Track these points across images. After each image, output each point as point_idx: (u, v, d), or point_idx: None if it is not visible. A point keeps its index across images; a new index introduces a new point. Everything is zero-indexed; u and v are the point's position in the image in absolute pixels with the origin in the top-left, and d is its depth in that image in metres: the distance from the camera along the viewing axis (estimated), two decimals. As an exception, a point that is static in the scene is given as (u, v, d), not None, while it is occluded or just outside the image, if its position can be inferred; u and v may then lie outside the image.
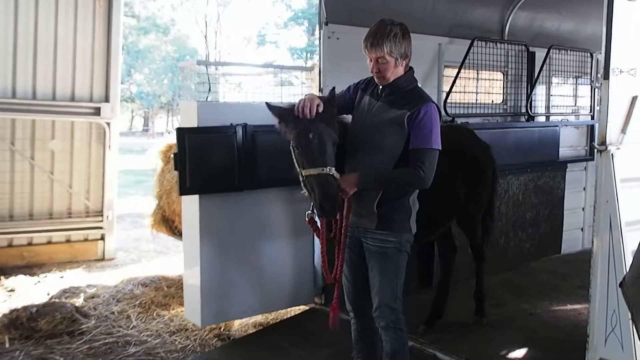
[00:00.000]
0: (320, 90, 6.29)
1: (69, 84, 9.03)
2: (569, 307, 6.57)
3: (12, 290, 7.52)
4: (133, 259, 9.49)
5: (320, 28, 6.36)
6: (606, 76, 3.77)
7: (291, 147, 3.99)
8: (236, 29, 48.65)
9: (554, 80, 8.77)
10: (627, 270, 2.81)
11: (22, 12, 8.60)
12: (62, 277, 8.27)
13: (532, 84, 8.25)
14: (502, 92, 8.34)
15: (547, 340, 5.68)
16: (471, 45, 7.35)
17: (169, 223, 8.03)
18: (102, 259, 9.38)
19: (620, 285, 2.56)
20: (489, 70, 7.90)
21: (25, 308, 6.31)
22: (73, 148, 9.20)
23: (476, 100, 7.96)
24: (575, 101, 9.15)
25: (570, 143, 8.90)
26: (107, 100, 9.24)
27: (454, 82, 7.26)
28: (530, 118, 8.30)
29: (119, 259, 9.46)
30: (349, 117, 4.26)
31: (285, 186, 5.63)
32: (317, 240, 6.01)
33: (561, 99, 8.92)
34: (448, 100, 7.23)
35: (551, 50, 8.22)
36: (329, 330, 4.10)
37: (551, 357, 5.39)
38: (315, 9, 7.30)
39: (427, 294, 6.31)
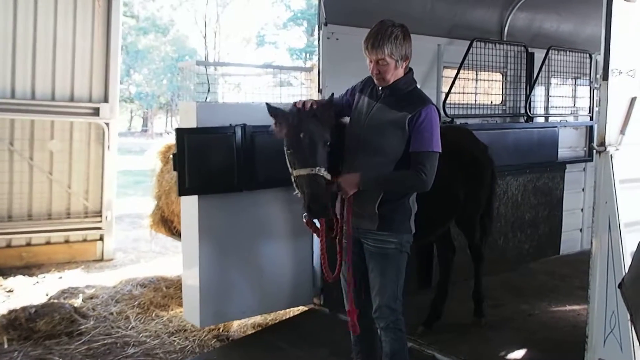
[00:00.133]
0: (320, 91, 6.29)
1: (68, 84, 9.03)
2: (568, 308, 6.58)
3: (10, 291, 7.52)
4: (132, 260, 9.49)
5: (319, 29, 6.36)
6: (605, 77, 3.77)
7: (284, 147, 4.01)
8: (235, 30, 48.70)
9: (553, 81, 8.78)
10: (626, 271, 2.81)
11: (21, 12, 8.60)
12: (60, 277, 8.27)
13: (531, 84, 8.26)
14: (501, 92, 8.35)
15: (546, 341, 5.69)
16: (470, 46, 7.35)
17: (167, 223, 8.03)
18: (101, 260, 9.37)
19: (619, 286, 2.55)
20: (488, 71, 7.91)
21: (23, 309, 6.31)
22: (72, 148, 9.20)
23: (475, 101, 7.97)
24: (574, 102, 9.15)
25: (569, 144, 8.91)
26: (106, 100, 9.23)
27: (453, 82, 7.26)
28: (529, 119, 8.31)
29: (118, 260, 9.45)
30: (347, 119, 4.27)
31: (284, 187, 5.59)
32: (316, 240, 6.03)
33: (560, 99, 8.93)
34: (447, 101, 7.23)
35: (550, 51, 8.23)
36: (329, 331, 4.10)
37: (550, 358, 5.40)
38: (314, 9, 7.30)
39: (426, 294, 6.30)
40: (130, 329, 6.33)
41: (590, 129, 9.02)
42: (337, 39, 6.28)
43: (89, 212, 9.37)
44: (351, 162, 4.09)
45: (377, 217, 3.98)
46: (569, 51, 8.55)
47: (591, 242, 3.94)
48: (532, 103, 8.37)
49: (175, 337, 6.08)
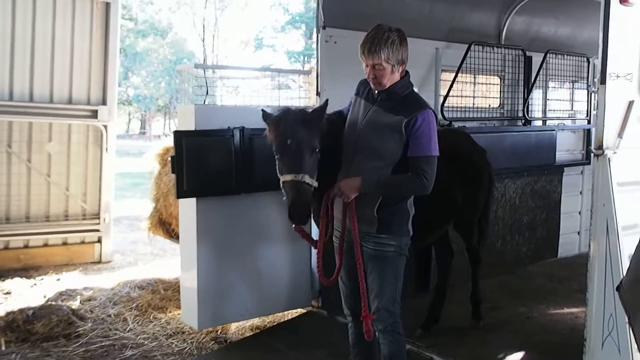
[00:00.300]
0: (318, 94, 6.30)
1: (66, 86, 9.03)
2: (566, 310, 6.58)
3: (8, 293, 7.51)
4: (130, 262, 9.48)
5: (318, 32, 6.37)
6: (603, 81, 3.79)
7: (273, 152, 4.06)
8: (234, 33, 48.71)
9: (551, 84, 8.80)
10: (624, 274, 2.82)
11: (20, 14, 8.60)
12: (58, 279, 8.27)
13: (528, 88, 8.28)
14: (499, 96, 8.37)
15: (544, 343, 5.68)
16: (468, 49, 7.36)
17: (165, 226, 8.03)
18: (99, 262, 9.37)
19: (618, 289, 2.56)
20: (486, 75, 7.93)
21: (21, 311, 6.31)
22: (70, 151, 9.20)
23: (473, 104, 7.99)
24: (572, 105, 9.18)
25: (566, 147, 8.92)
26: (104, 102, 9.24)
27: (451, 86, 7.27)
28: (527, 122, 8.33)
29: (116, 262, 9.45)
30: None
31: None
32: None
33: (558, 103, 8.96)
34: (445, 104, 7.24)
35: (548, 55, 8.25)
36: (327, 334, 4.10)
37: (548, 360, 5.41)
38: (312, 12, 7.32)
39: (425, 297, 6.30)
40: (128, 331, 6.33)
41: (587, 132, 9.04)
42: (335, 42, 6.30)
43: (86, 215, 9.36)
44: (348, 165, 4.10)
45: (376, 220, 3.99)
46: (567, 55, 8.58)
47: (589, 245, 3.95)
48: (529, 106, 8.39)
49: (173, 340, 6.08)
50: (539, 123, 8.73)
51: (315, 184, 3.95)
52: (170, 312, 6.85)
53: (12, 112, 8.59)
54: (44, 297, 7.36)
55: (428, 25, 7.34)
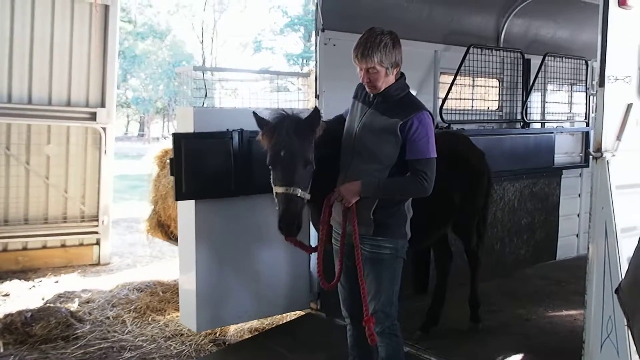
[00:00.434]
0: (317, 96, 6.31)
1: (65, 88, 9.03)
2: (565, 313, 6.58)
3: (6, 295, 7.51)
4: (128, 264, 9.48)
5: (316, 34, 6.38)
6: (601, 83, 3.79)
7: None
8: (232, 35, 48.84)
9: (549, 87, 8.82)
10: (623, 276, 2.82)
11: (18, 16, 8.60)
12: (57, 281, 8.26)
13: (527, 90, 8.29)
14: (497, 98, 8.38)
15: (543, 346, 5.69)
16: (467, 52, 7.37)
17: (164, 228, 8.02)
18: (97, 264, 9.36)
19: (616, 291, 2.56)
20: (485, 77, 7.93)
21: (19, 313, 6.29)
22: (68, 153, 9.19)
23: (472, 106, 8.00)
24: (571, 108, 9.19)
25: (565, 150, 8.93)
26: (103, 105, 9.24)
27: (450, 88, 7.28)
28: (526, 125, 8.33)
29: (114, 264, 9.44)
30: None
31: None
32: (313, 245, 6.03)
33: (556, 105, 8.96)
34: (444, 107, 7.26)
35: (546, 58, 8.26)
36: (325, 336, 4.10)
37: (547, 363, 5.41)
38: (311, 15, 7.34)
39: (423, 299, 6.31)
40: (126, 334, 6.32)
41: (586, 135, 9.06)
42: (334, 45, 6.30)
43: (85, 217, 9.36)
44: (346, 168, 4.11)
45: (372, 222, 3.99)
46: (565, 58, 8.60)
47: (588, 248, 3.95)
48: (528, 109, 8.40)
49: (171, 342, 6.07)
50: (537, 126, 8.74)
51: (308, 196, 4.00)
52: (168, 314, 6.84)
53: (11, 114, 8.59)
54: (43, 299, 7.35)
55: (427, 28, 7.34)
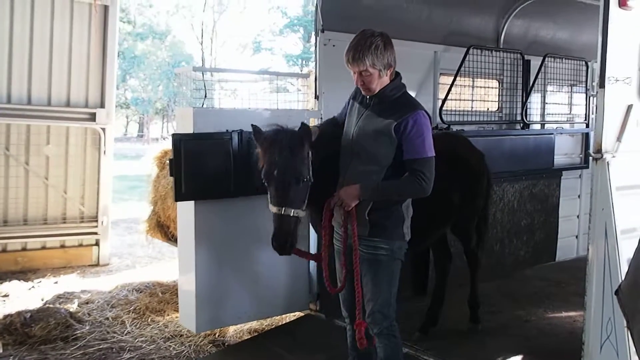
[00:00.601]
0: (316, 97, 6.31)
1: (64, 89, 9.03)
2: (564, 314, 6.58)
3: (6, 296, 7.50)
4: (127, 265, 9.47)
5: (316, 35, 6.37)
6: (602, 85, 3.79)
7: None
8: (232, 36, 48.82)
9: (549, 88, 8.82)
10: (623, 278, 2.82)
11: (18, 17, 8.60)
12: (56, 282, 8.25)
13: (527, 91, 8.29)
14: (497, 99, 8.38)
15: (543, 347, 5.69)
16: (467, 53, 7.37)
17: (163, 229, 8.02)
18: (97, 265, 9.36)
19: (616, 293, 2.56)
20: (485, 78, 7.93)
21: (19, 313, 6.29)
22: (68, 153, 9.19)
23: (472, 107, 8.00)
24: (570, 109, 9.19)
25: (565, 151, 8.93)
26: (102, 105, 9.24)
27: (450, 89, 7.27)
28: (526, 126, 8.33)
29: (114, 265, 9.44)
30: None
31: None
32: (313, 246, 6.04)
33: (556, 106, 8.96)
34: (444, 108, 7.25)
35: (546, 59, 8.26)
36: (325, 337, 4.10)
37: (546, 364, 5.41)
38: (311, 16, 7.33)
39: (423, 300, 6.31)
40: (126, 334, 6.32)
41: (586, 136, 9.06)
42: (333, 46, 6.29)
43: (84, 217, 9.35)
44: (345, 170, 4.11)
45: (367, 223, 3.98)
46: (565, 59, 8.60)
47: (588, 249, 3.95)
48: (528, 110, 8.39)
49: (171, 343, 6.07)
50: (537, 127, 8.73)
51: (302, 213, 4.01)
52: (168, 315, 6.84)
53: (10, 114, 8.59)
54: (42, 300, 7.34)
55: (427, 29, 7.34)
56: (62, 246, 9.25)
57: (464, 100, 7.82)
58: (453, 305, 6.13)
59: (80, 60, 9.10)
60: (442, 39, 7.61)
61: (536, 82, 8.25)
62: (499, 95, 8.37)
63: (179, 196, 5.41)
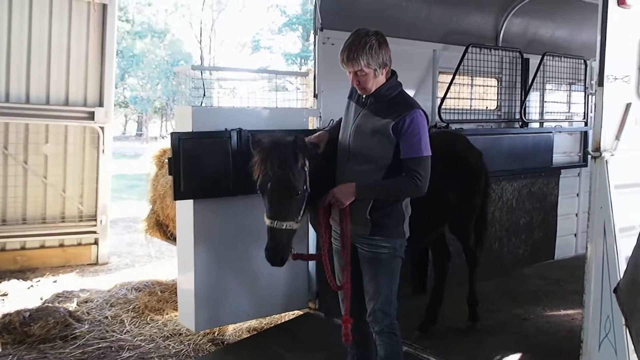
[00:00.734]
0: (315, 96, 6.31)
1: (63, 88, 9.02)
2: (563, 312, 6.59)
3: (4, 295, 7.49)
4: (126, 264, 9.47)
5: (315, 34, 6.37)
6: (600, 83, 3.79)
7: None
8: (231, 35, 48.77)
9: (548, 86, 8.82)
10: (621, 276, 2.82)
11: (16, 15, 8.59)
12: (55, 281, 8.25)
13: (526, 90, 8.29)
14: (496, 98, 8.38)
15: (541, 345, 5.70)
16: (465, 51, 7.37)
17: (162, 228, 8.02)
18: (96, 264, 9.36)
19: (615, 291, 2.57)
20: (484, 77, 7.93)
21: (18, 312, 6.29)
22: (66, 152, 9.19)
23: (470, 106, 7.99)
24: (569, 108, 9.19)
25: (563, 149, 8.93)
26: (101, 104, 9.24)
27: (449, 88, 7.27)
28: (524, 124, 8.33)
29: (113, 264, 9.44)
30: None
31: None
32: (312, 245, 6.04)
33: (555, 105, 8.96)
34: (442, 106, 7.25)
35: (545, 57, 8.27)
36: (324, 336, 4.11)
37: (545, 362, 5.42)
38: (309, 15, 7.32)
39: (422, 299, 6.31)
40: (125, 333, 6.32)
41: (584, 135, 9.06)
42: (332, 44, 6.28)
43: (83, 216, 9.35)
44: (342, 169, 4.11)
45: (369, 222, 3.99)
46: (564, 57, 8.60)
47: (586, 247, 3.95)
48: (527, 108, 8.40)
49: (170, 341, 6.07)
50: (536, 125, 8.74)
51: (296, 225, 3.99)
52: (167, 314, 6.84)
53: (9, 113, 8.58)
54: (41, 299, 7.34)
55: (426, 27, 7.34)
56: (61, 245, 9.25)
57: (463, 98, 7.82)
58: (452, 304, 6.14)
59: (79, 58, 9.10)
60: (441, 37, 7.61)
61: (535, 81, 8.25)
62: (497, 93, 8.37)
63: (178, 195, 5.40)
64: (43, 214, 9.10)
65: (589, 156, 3.93)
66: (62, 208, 9.24)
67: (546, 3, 8.07)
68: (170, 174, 5.38)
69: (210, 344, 5.99)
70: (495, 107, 8.38)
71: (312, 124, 6.37)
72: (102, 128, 9.18)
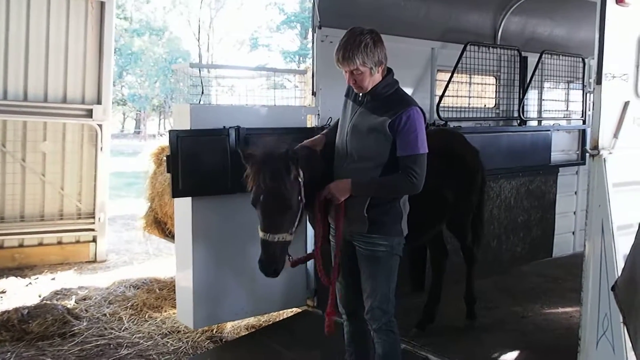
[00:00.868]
0: (314, 93, 6.31)
1: (61, 85, 9.02)
2: (561, 310, 6.59)
3: (3, 292, 7.48)
4: (125, 261, 9.48)
5: (313, 31, 6.37)
6: (599, 81, 3.79)
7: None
8: (229, 32, 48.71)
9: (546, 84, 8.83)
10: (619, 274, 2.83)
11: (14, 13, 8.59)
12: (53, 278, 8.25)
13: (524, 88, 8.29)
14: (494, 96, 8.38)
15: (539, 343, 5.70)
16: (464, 49, 7.37)
17: (161, 225, 8.02)
18: (94, 261, 9.37)
19: (613, 288, 2.58)
20: (482, 75, 7.94)
21: (16, 310, 6.30)
22: (64, 150, 9.19)
23: (469, 104, 7.99)
24: (567, 106, 9.20)
25: (562, 147, 8.93)
26: (99, 102, 9.24)
27: (447, 86, 7.27)
28: (523, 122, 8.34)
29: (111, 261, 9.45)
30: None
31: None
32: (310, 243, 6.04)
33: (553, 103, 8.97)
34: (441, 104, 7.25)
35: (543, 55, 8.27)
36: (322, 333, 4.12)
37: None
38: (308, 12, 7.33)
39: (420, 296, 6.32)
40: (123, 330, 6.33)
41: (582, 133, 9.06)
42: (331, 42, 6.27)
43: (81, 214, 9.36)
44: (339, 167, 4.11)
45: (366, 220, 3.99)
46: (562, 55, 8.60)
47: (584, 245, 3.95)
48: (525, 107, 8.41)
49: (168, 339, 6.08)
50: (534, 123, 8.75)
51: (290, 237, 3.99)
52: (165, 311, 6.85)
53: (7, 111, 8.59)
54: (39, 296, 7.34)
55: (424, 25, 7.34)
56: (59, 242, 9.26)
57: (461, 96, 7.82)
58: (450, 302, 6.14)
59: (77, 56, 9.10)
60: (440, 35, 7.61)
61: (533, 79, 8.26)
62: (496, 91, 8.38)
63: (176, 192, 5.40)
64: (41, 211, 9.10)
65: (587, 154, 3.93)
66: (60, 205, 9.25)
67: (544, 1, 8.08)
68: (168, 171, 5.39)
69: (208, 341, 6.00)
70: (493, 105, 8.38)
71: (311, 121, 6.37)
72: (100, 126, 9.18)
